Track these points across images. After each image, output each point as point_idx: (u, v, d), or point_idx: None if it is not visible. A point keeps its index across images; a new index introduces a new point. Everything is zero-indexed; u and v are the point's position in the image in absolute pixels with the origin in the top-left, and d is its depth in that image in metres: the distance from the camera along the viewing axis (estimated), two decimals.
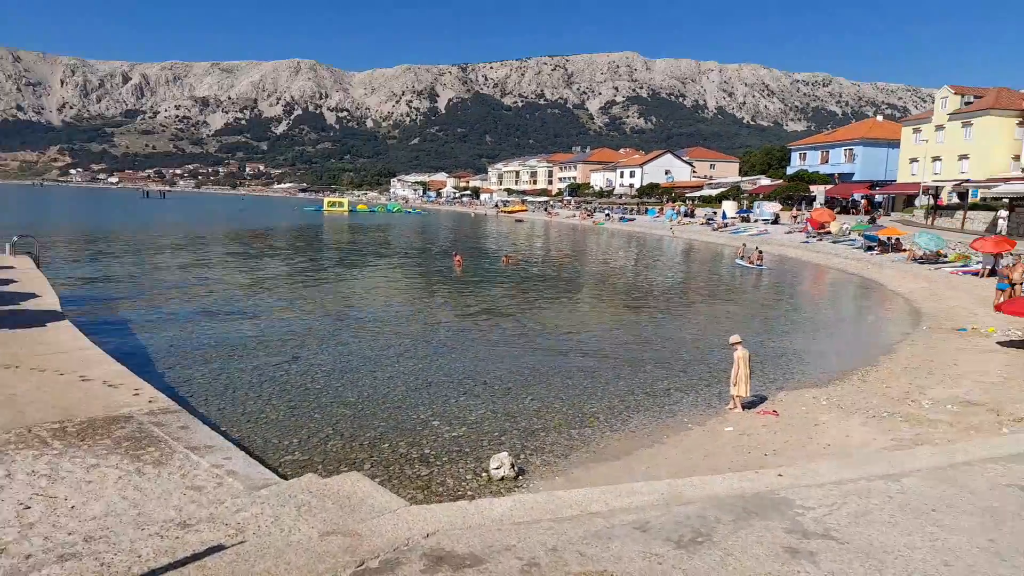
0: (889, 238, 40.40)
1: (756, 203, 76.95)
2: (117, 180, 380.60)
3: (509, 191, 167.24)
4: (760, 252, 39.91)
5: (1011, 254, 29.17)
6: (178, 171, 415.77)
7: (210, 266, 32.86)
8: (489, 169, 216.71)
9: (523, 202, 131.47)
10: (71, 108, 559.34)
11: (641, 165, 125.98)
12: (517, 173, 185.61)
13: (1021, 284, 21.01)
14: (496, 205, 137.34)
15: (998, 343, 16.72)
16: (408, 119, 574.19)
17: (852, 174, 79.13)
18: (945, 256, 34.88)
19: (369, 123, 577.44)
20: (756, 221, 69.37)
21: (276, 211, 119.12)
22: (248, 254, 40.45)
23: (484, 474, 8.96)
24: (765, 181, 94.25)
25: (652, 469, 8.99)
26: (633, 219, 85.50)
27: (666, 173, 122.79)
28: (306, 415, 11.29)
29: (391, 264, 37.39)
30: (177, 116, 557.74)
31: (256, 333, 17.58)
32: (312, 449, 9.81)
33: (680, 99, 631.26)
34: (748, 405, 11.83)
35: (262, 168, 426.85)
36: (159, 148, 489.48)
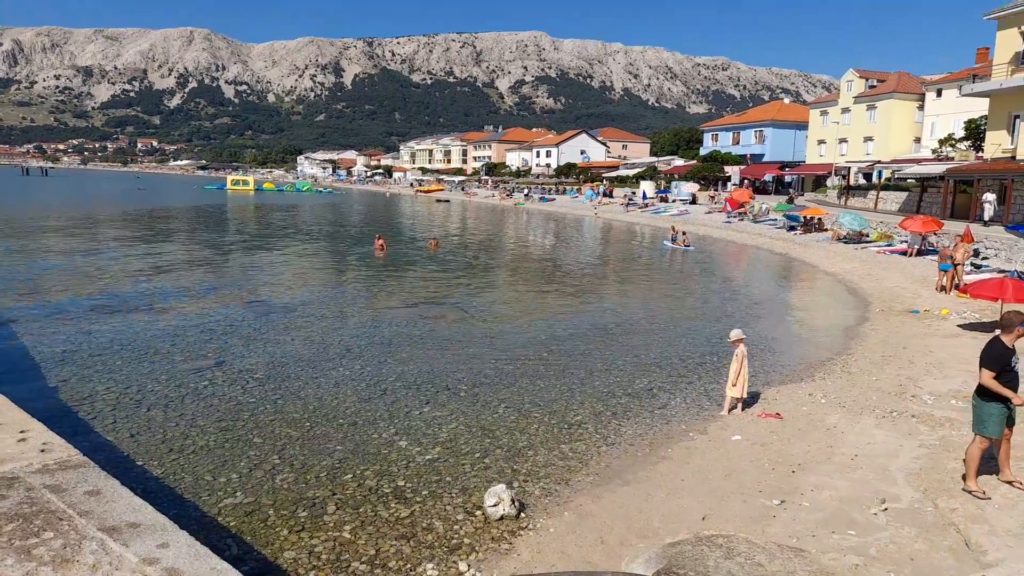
0: (811, 218, 41.10)
1: (674, 183, 77.82)
2: None
3: (423, 170, 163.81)
4: (685, 233, 39.75)
5: (938, 234, 29.90)
6: (61, 146, 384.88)
7: (106, 252, 29.34)
8: (401, 147, 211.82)
9: (439, 181, 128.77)
10: None
11: (557, 145, 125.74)
12: (430, 152, 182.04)
13: (963, 264, 21.16)
14: (412, 184, 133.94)
15: (959, 327, 16.51)
16: (313, 94, 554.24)
17: (763, 155, 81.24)
18: (867, 236, 35.64)
19: (271, 98, 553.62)
20: (675, 201, 70.07)
21: (175, 190, 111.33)
22: (148, 238, 36.69)
23: (478, 512, 7.40)
24: (679, 162, 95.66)
25: (674, 497, 7.69)
26: (553, 199, 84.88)
27: (581, 153, 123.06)
28: (243, 439, 9.36)
29: (310, 249, 34.77)
30: (57, 87, 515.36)
31: (168, 331, 15.19)
32: (258, 487, 7.95)
33: (588, 80, 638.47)
34: (744, 405, 10.77)
35: (155, 144, 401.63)
36: (38, 121, 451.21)
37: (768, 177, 75.08)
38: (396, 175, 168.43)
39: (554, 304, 20.61)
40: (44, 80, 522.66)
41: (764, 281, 28.09)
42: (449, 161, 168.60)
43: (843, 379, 12.42)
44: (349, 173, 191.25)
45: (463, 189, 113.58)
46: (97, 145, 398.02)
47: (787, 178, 74.20)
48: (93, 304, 17.95)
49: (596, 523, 7.13)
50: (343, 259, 30.53)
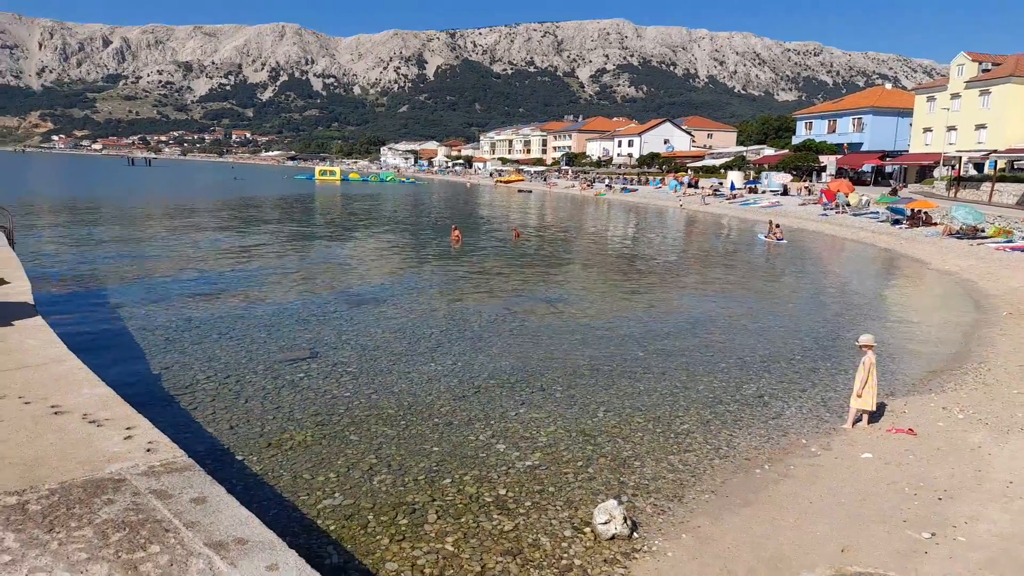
0: (918, 211, 38.42)
1: (763, 174, 74.83)
2: (101, 147, 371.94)
3: (503, 160, 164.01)
4: (779, 226, 37.91)
5: None
6: (163, 138, 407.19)
7: (205, 241, 30.39)
8: (481, 138, 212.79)
9: (519, 171, 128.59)
10: (51, 72, 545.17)
11: (640, 134, 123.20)
12: (510, 142, 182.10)
13: None
14: (491, 175, 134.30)
15: None
16: (396, 86, 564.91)
17: (861, 144, 76.99)
18: (983, 231, 32.98)
19: (357, 90, 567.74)
20: (765, 192, 67.32)
21: (267, 180, 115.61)
22: (245, 226, 37.91)
23: (587, 529, 6.89)
24: (769, 151, 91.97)
25: (805, 523, 6.95)
26: (635, 190, 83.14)
27: (665, 142, 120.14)
28: (340, 436, 9.16)
29: (393, 238, 35.03)
30: (160, 81, 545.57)
31: (263, 320, 15.36)
32: (356, 488, 7.69)
33: (671, 68, 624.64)
34: (870, 419, 9.81)
35: (249, 135, 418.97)
36: (143, 114, 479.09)
37: (867, 167, 71.05)
38: (476, 165, 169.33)
39: (644, 299, 19.82)
40: (148, 75, 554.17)
41: (871, 278, 26.32)
42: (529, 151, 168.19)
43: (979, 391, 11.21)
44: (430, 163, 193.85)
45: (544, 179, 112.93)
46: (196, 136, 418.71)
47: (888, 168, 70.01)
48: (194, 291, 18.44)
49: (719, 549, 6.50)
50: (424, 249, 30.56)
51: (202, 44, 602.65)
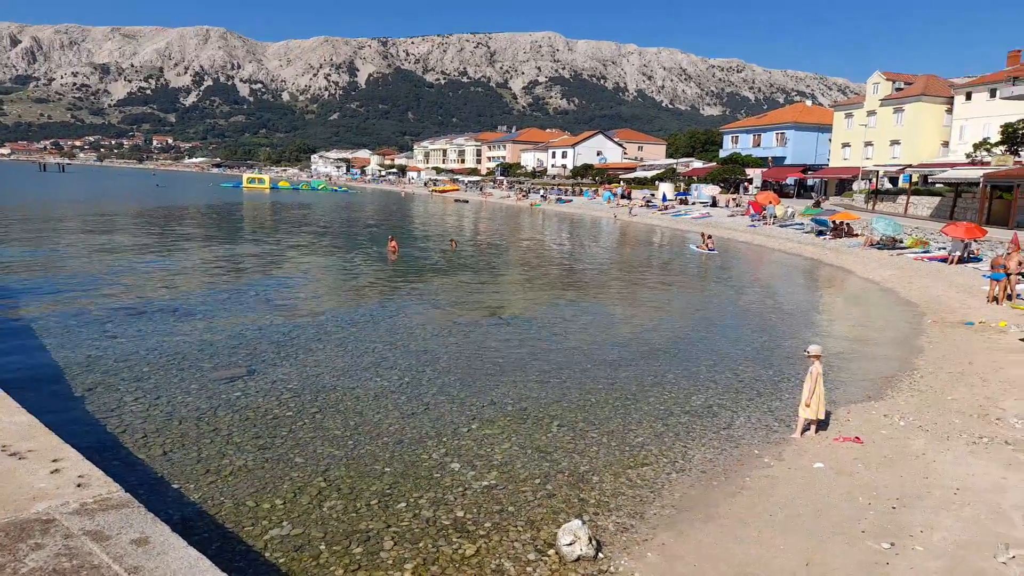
0: (841, 222, 40.10)
1: (693, 186, 76.87)
2: (9, 151, 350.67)
3: (437, 170, 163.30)
4: (710, 237, 38.92)
5: (979, 241, 28.92)
6: (78, 143, 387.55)
7: (127, 251, 28.84)
8: (415, 147, 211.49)
9: (454, 181, 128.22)
10: None
11: (573, 146, 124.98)
12: (444, 151, 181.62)
13: (1016, 274, 20.23)
14: (426, 184, 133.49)
15: (1021, 340, 15.63)
16: (327, 93, 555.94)
17: (784, 158, 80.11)
18: (902, 242, 34.66)
19: (285, 96, 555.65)
20: (695, 204, 69.13)
21: (191, 187, 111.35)
22: (168, 237, 36.23)
23: (551, 551, 6.68)
24: (697, 164, 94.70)
25: (767, 537, 6.93)
26: (570, 200, 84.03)
27: (598, 154, 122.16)
28: (284, 458, 8.68)
29: (328, 250, 34.17)
30: (75, 84, 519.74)
31: (194, 336, 14.57)
32: (305, 516, 7.26)
33: (602, 81, 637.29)
34: (818, 428, 9.99)
35: (171, 141, 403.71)
36: (55, 117, 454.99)
37: (790, 180, 73.99)
38: (410, 175, 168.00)
39: (586, 309, 19.85)
40: (62, 77, 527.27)
41: (802, 288, 27.22)
42: (463, 161, 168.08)
43: (916, 398, 11.60)
44: (363, 172, 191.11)
45: (480, 189, 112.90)
46: (113, 142, 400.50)
47: (810, 181, 73.06)
48: (115, 307, 17.38)
49: (686, 567, 6.39)
50: (361, 260, 29.89)
51: (120, 46, 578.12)
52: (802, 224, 45.95)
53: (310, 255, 30.91)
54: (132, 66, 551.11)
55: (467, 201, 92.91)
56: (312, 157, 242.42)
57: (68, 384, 11.07)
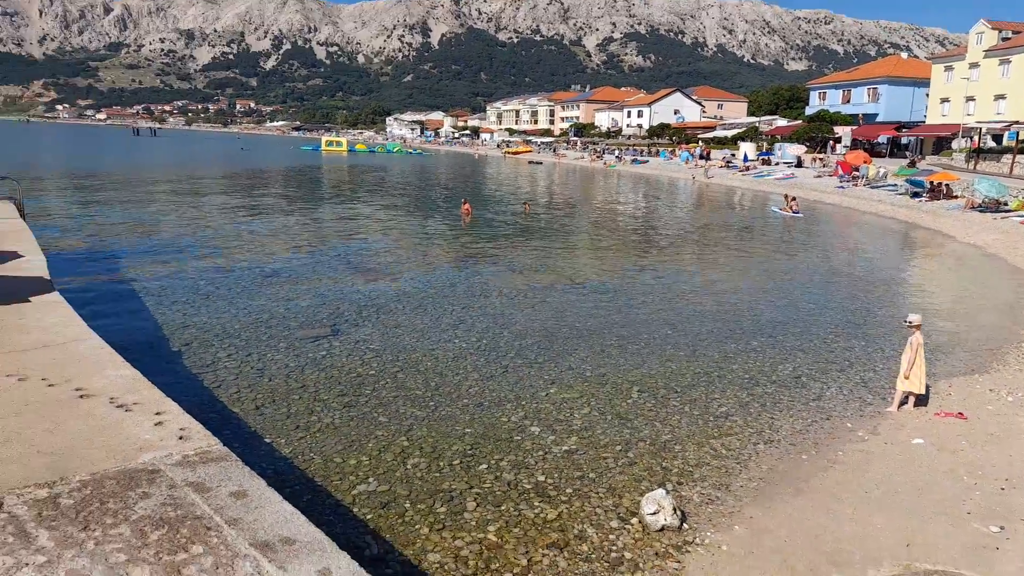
0: (939, 183, 37.67)
1: (777, 145, 73.71)
2: (105, 116, 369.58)
3: (510, 131, 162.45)
4: (795, 199, 37.34)
5: None
6: (167, 108, 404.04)
7: (215, 213, 30.03)
8: (488, 108, 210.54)
9: (527, 143, 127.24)
10: (52, 40, 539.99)
11: (649, 104, 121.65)
12: (517, 112, 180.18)
13: None
14: (499, 146, 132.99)
15: None
16: (401, 55, 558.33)
17: (877, 115, 75.68)
18: (1006, 204, 32.29)
19: (361, 59, 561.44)
20: (779, 164, 66.37)
21: (273, 151, 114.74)
22: (254, 200, 37.50)
23: (634, 520, 6.60)
24: (781, 122, 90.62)
25: (863, 514, 6.64)
26: (646, 161, 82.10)
27: (675, 113, 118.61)
28: (368, 417, 8.87)
29: (405, 212, 34.59)
30: (163, 50, 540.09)
31: (281, 296, 15.03)
32: (390, 473, 7.41)
33: (679, 36, 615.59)
34: (917, 402, 9.47)
35: (253, 105, 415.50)
36: (146, 83, 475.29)
37: (883, 138, 69.88)
38: (483, 136, 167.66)
39: (665, 273, 19.41)
40: (150, 44, 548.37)
41: (896, 253, 25.85)
42: (536, 122, 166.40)
43: None
44: (437, 134, 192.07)
45: (554, 151, 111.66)
46: (200, 107, 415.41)
47: (904, 139, 68.85)
48: (208, 265, 18.13)
49: (775, 542, 6.20)
50: (435, 223, 30.09)
51: (203, 11, 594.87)
52: (895, 185, 43.45)
53: (386, 217, 31.38)
54: (215, 31, 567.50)
55: (540, 163, 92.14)
56: (387, 119, 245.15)
57: (167, 341, 11.63)
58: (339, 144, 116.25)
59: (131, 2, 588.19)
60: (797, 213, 34.98)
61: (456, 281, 17.41)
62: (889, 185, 44.35)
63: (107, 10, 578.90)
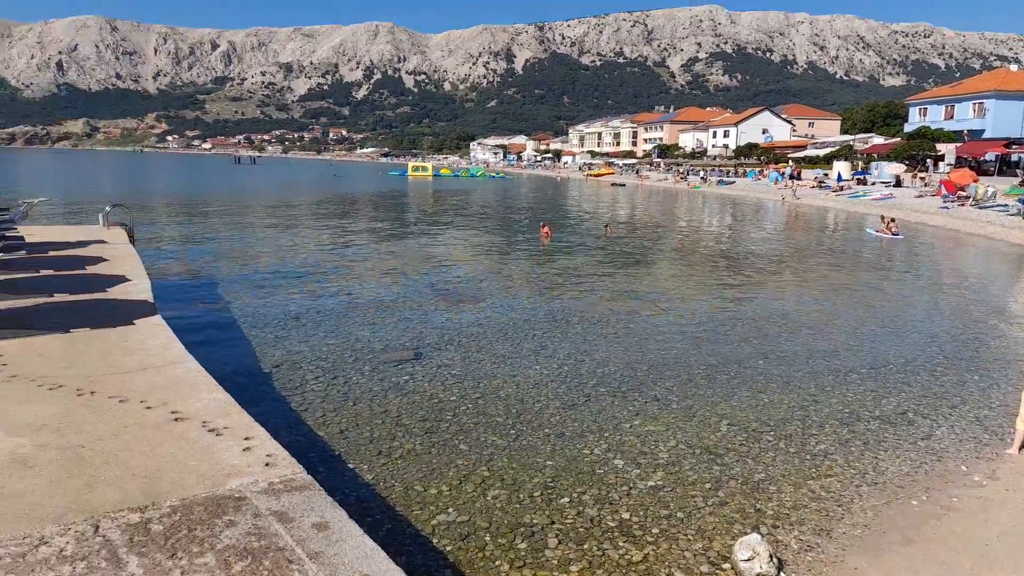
0: None
1: (873, 164, 70.50)
2: (210, 146, 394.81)
3: (592, 153, 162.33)
4: (894, 220, 35.42)
5: None
6: (266, 137, 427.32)
7: (308, 238, 31.21)
8: (570, 131, 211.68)
9: (609, 164, 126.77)
10: (165, 76, 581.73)
11: (736, 124, 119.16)
12: (599, 135, 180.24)
13: None
14: (581, 168, 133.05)
15: None
16: (485, 81, 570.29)
17: (983, 131, 71.40)
18: None
19: (447, 86, 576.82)
20: (875, 184, 63.40)
21: (362, 176, 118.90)
22: (344, 223, 38.83)
23: (726, 565, 6.22)
24: (878, 139, 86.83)
25: (981, 568, 6.02)
26: (733, 182, 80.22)
27: (763, 132, 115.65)
28: (449, 444, 8.82)
29: (485, 234, 34.92)
30: (263, 82, 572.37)
31: (366, 319, 15.33)
32: (470, 504, 7.30)
33: (767, 54, 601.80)
34: None
35: (345, 133, 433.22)
36: (247, 114, 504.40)
37: (990, 156, 65.67)
38: (565, 159, 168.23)
39: (754, 299, 18.67)
40: (252, 77, 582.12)
41: (1009, 278, 24.01)
42: (618, 144, 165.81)
43: None
44: (519, 158, 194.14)
45: (636, 172, 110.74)
46: (296, 135, 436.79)
47: (1015, 156, 64.46)
48: (299, 287, 18.74)
49: None
50: (517, 246, 30.17)
51: (301, 45, 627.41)
52: (1006, 205, 40.57)
53: (468, 240, 31.76)
54: (311, 63, 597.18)
55: (623, 184, 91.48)
56: (471, 144, 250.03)
57: (258, 362, 12.01)
58: (425, 169, 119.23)
59: (236, 39, 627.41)
60: (897, 235, 33.21)
61: (536, 306, 17.31)
62: (999, 205, 41.46)
63: (214, 46, 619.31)
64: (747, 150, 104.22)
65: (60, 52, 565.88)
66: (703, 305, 17.82)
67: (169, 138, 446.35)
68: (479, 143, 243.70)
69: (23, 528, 4.37)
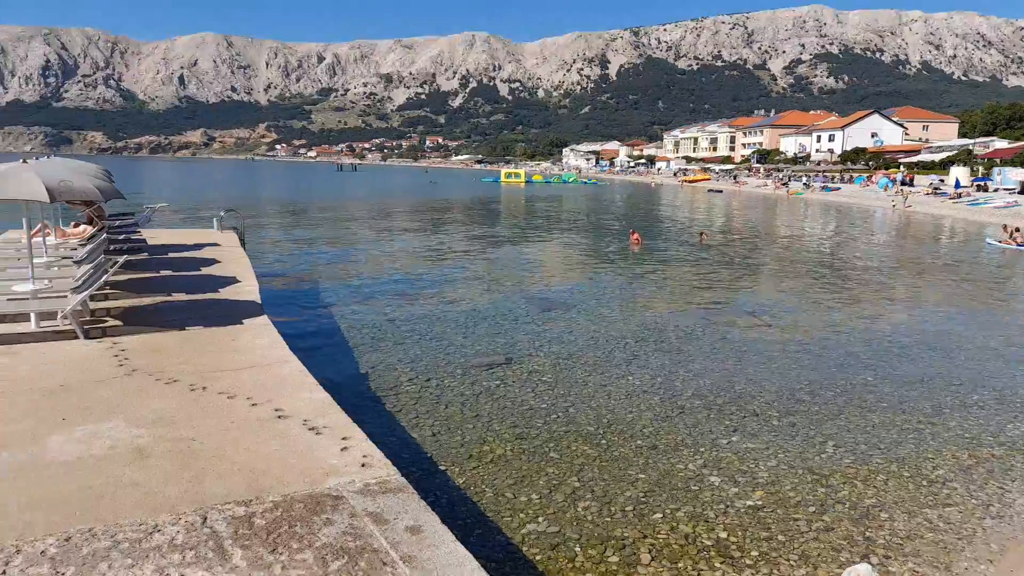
0: None
1: (995, 169, 65.51)
2: (315, 154, 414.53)
3: (687, 159, 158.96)
4: (1019, 229, 32.72)
5: None
6: (366, 145, 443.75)
7: (404, 243, 32.08)
8: (664, 136, 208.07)
9: (705, 170, 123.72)
10: (275, 88, 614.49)
11: (842, 128, 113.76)
12: (695, 140, 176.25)
13: None
14: (675, 174, 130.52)
15: None
16: (579, 87, 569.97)
17: None
18: None
19: (540, 93, 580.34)
20: (997, 190, 58.90)
21: (457, 182, 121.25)
22: (439, 228, 39.67)
23: None
24: (1001, 143, 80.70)
25: None
26: (838, 188, 76.46)
27: (872, 136, 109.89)
28: (539, 451, 8.77)
29: (576, 240, 34.74)
30: (365, 92, 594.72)
31: (458, 323, 15.54)
32: (561, 514, 7.21)
33: (877, 55, 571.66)
34: None
35: (441, 141, 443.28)
36: (349, 123, 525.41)
37: None
38: (659, 164, 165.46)
39: (861, 313, 17.64)
40: (355, 88, 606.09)
41: None
42: (715, 149, 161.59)
43: None
44: (612, 164, 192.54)
45: (734, 178, 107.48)
46: (394, 143, 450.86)
47: None
48: (394, 291, 19.24)
49: None
50: (608, 252, 29.82)
51: (401, 56, 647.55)
52: None
53: (559, 246, 31.69)
54: (410, 74, 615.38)
55: (720, 191, 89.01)
56: (563, 151, 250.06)
57: (356, 363, 12.37)
58: (517, 175, 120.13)
59: (340, 51, 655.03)
60: (1022, 246, 30.67)
61: (627, 314, 17.02)
62: None
63: (320, 59, 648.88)
64: (854, 155, 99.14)
65: (182, 67, 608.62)
66: (805, 318, 17.02)
67: (278, 147, 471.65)
68: (571, 149, 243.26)
69: (140, 516, 4.64)
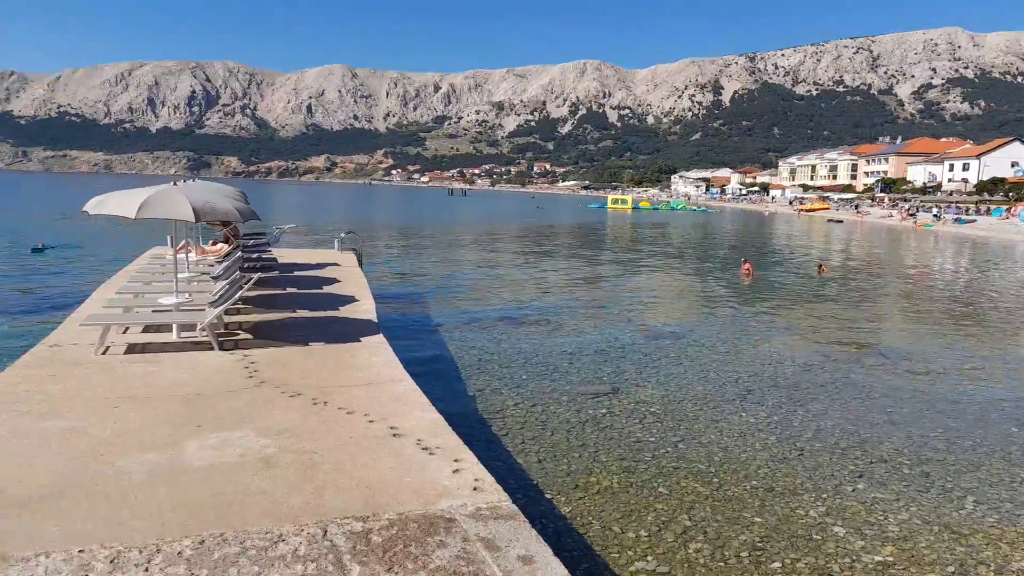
0: None
1: None
2: (427, 179, 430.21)
3: (804, 187, 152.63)
4: None
5: None
6: (476, 171, 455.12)
7: (512, 268, 32.49)
8: (780, 164, 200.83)
9: (823, 199, 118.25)
10: (393, 116, 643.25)
11: (978, 156, 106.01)
12: (813, 167, 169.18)
13: None
14: (791, 202, 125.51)
15: None
16: (690, 114, 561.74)
17: None
18: None
19: (650, 119, 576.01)
20: None
21: (563, 208, 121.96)
22: (545, 255, 39.94)
23: None
24: None
25: None
26: (973, 220, 70.97)
27: (1012, 165, 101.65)
28: (647, 486, 8.53)
29: (686, 269, 33.92)
30: (477, 120, 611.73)
31: (564, 350, 15.48)
32: (671, 554, 6.96)
33: (1019, 79, 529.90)
34: None
35: (548, 167, 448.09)
36: (461, 150, 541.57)
37: None
38: (773, 193, 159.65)
39: (1006, 356, 16.15)
40: (468, 115, 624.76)
41: None
42: (835, 177, 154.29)
43: None
44: (723, 191, 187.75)
45: (856, 208, 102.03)
46: (503, 169, 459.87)
47: None
48: (501, 316, 19.46)
49: None
50: (717, 282, 28.89)
51: (513, 85, 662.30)
52: None
53: (665, 274, 31.07)
54: (521, 101, 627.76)
55: (840, 221, 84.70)
56: (672, 177, 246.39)
57: (464, 385, 12.56)
58: (624, 202, 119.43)
59: (456, 80, 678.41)
60: None
61: (740, 347, 16.38)
62: None
63: (436, 88, 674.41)
64: (991, 185, 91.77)
65: (310, 97, 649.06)
66: (938, 361, 15.77)
67: (393, 172, 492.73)
68: (680, 176, 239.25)
69: (266, 524, 4.86)
